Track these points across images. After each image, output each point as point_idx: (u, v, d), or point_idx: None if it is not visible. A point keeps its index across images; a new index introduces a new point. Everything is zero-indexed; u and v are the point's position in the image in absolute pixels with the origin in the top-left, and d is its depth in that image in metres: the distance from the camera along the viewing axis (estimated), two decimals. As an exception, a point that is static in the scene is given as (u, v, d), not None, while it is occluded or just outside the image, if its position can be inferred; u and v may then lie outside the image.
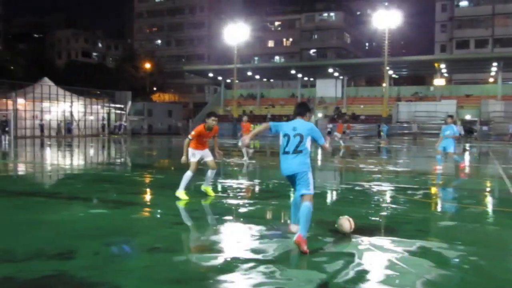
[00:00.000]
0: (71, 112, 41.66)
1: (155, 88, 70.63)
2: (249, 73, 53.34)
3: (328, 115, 47.61)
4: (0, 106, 35.66)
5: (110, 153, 20.50)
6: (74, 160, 16.19)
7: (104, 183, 9.84)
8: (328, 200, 8.32)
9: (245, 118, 15.85)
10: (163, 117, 56.75)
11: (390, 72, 47.88)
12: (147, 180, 10.65)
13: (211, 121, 7.38)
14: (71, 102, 41.44)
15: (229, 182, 10.04)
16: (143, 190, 8.87)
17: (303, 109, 4.99)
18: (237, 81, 53.02)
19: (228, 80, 56.58)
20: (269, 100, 56.62)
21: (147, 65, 66.34)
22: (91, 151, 21.42)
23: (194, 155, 7.56)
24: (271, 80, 63.22)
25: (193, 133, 7.39)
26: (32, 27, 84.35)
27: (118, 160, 16.71)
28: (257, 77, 55.62)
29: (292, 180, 4.92)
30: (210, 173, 7.82)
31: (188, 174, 7.51)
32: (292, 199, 5.44)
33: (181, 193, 7.56)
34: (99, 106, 45.44)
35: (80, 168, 13.20)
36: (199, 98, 72.20)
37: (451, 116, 12.13)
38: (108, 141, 32.85)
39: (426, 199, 8.18)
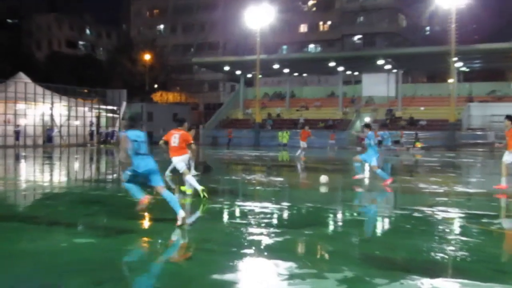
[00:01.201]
0: (51, 116, 42.69)
1: (156, 86, 71.70)
2: (276, 66, 53.63)
3: (378, 120, 47.35)
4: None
5: (99, 168, 20.94)
6: (55, 176, 16.59)
7: (92, 205, 10.06)
8: (378, 229, 8.33)
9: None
10: (166, 122, 57.00)
11: (459, 64, 47.34)
12: (145, 201, 10.89)
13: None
14: (52, 103, 42.45)
15: (251, 205, 10.22)
16: (140, 214, 9.03)
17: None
18: (260, 76, 53.26)
19: (249, 75, 56.97)
20: (301, 100, 56.93)
21: (147, 57, 67.55)
22: (76, 165, 21.87)
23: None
24: (304, 75, 63.43)
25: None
26: (5, 12, 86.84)
27: (110, 177, 17.04)
28: (286, 71, 55.90)
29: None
30: None
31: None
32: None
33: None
34: (87, 108, 46.49)
35: (63, 186, 13.50)
36: (212, 98, 73.13)
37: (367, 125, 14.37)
38: (97, 152, 33.35)
39: (507, 230, 8.09)
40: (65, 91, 44.98)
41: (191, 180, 11.26)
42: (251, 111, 54.44)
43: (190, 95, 75.22)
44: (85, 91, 49.48)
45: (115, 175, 17.24)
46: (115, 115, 49.47)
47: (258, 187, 13.52)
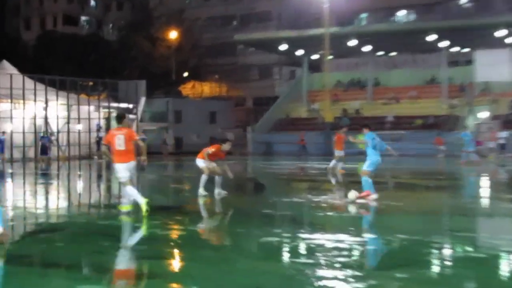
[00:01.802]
0: (45, 119, 43.19)
1: (186, 74, 72.04)
2: (353, 43, 53.00)
3: (499, 116, 46.26)
4: None
5: (110, 189, 21.11)
6: (52, 201, 16.84)
7: (100, 240, 10.19)
8: (503, 271, 8.15)
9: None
10: (201, 124, 58.61)
11: None
12: (174, 234, 11.05)
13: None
14: (46, 101, 42.65)
15: (320, 237, 10.27)
16: (166, 251, 9.07)
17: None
18: (331, 58, 52.85)
19: (315, 57, 56.60)
20: (388, 90, 56.39)
21: (172, 35, 67.76)
22: (80, 185, 22.13)
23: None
24: (393, 55, 62.67)
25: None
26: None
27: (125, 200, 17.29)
28: (367, 49, 55.45)
29: None
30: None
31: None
32: None
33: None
34: (92, 108, 46.92)
35: (62, 214, 13.73)
36: (264, 90, 72.19)
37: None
38: (107, 167, 33.45)
39: None
40: (63, 85, 44.83)
41: (132, 192, 12.55)
42: (318, 107, 54.28)
43: (233, 86, 75.00)
44: (90, 83, 49.58)
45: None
46: (131, 116, 48.70)
47: (330, 213, 13.53)
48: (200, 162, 16.37)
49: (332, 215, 13.20)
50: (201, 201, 15.27)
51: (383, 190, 19.13)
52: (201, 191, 16.28)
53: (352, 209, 14.06)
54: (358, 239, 10.16)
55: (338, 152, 24.89)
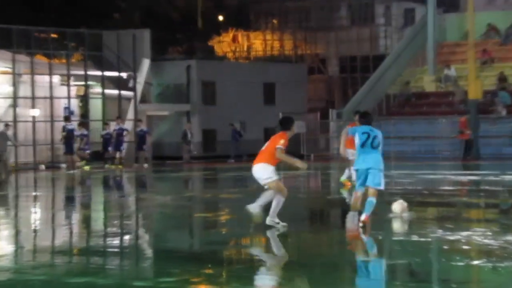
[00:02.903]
0: None
1: (222, 18, 53.55)
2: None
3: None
4: None
5: (89, 222, 17.46)
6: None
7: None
8: None
9: None
10: (248, 105, 41.68)
11: None
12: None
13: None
14: None
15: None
16: None
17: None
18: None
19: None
20: None
21: None
22: (36, 217, 18.27)
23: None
24: None
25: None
26: None
27: (115, 242, 14.07)
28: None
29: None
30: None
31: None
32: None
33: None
34: (57, 79, 36.36)
35: (6, 267, 10.83)
36: (359, 46, 52.65)
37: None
38: (81, 182, 29.25)
39: None
40: (7, 37, 34.83)
41: None
42: (455, 73, 40.11)
43: (306, 38, 54.48)
44: (53, 35, 38.50)
45: (127, 237, 14.27)
46: (127, 93, 38.15)
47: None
48: (267, 172, 12.44)
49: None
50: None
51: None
52: (272, 220, 12.59)
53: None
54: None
55: (351, 152, 18.16)
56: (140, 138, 35.76)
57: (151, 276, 10.35)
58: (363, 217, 12.65)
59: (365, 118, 13.92)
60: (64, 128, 34.02)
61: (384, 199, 15.93)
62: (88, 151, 34.89)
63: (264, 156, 12.55)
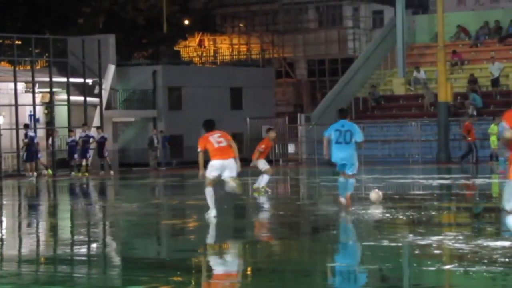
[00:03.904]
0: None
1: (187, 22, 50.69)
2: None
3: None
4: None
5: (49, 239, 15.76)
6: None
7: None
8: None
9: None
10: (215, 110, 38.61)
11: None
12: None
13: None
14: None
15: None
16: None
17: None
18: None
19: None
20: None
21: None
22: None
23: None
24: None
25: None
26: None
27: (95, 246, 13.94)
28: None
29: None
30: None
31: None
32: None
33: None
34: (21, 86, 36.08)
35: None
36: (327, 48, 52.26)
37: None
38: (47, 191, 28.80)
39: None
40: None
41: None
42: (425, 75, 39.69)
43: (274, 41, 53.42)
44: (17, 42, 37.23)
45: (95, 245, 13.72)
46: (92, 99, 37.52)
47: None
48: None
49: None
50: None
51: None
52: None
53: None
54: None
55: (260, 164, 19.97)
56: (100, 145, 35.12)
57: (119, 285, 10.17)
58: (347, 194, 15.36)
59: (340, 112, 15.98)
60: (26, 135, 33.36)
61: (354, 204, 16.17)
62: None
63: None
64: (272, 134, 18.04)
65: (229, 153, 13.98)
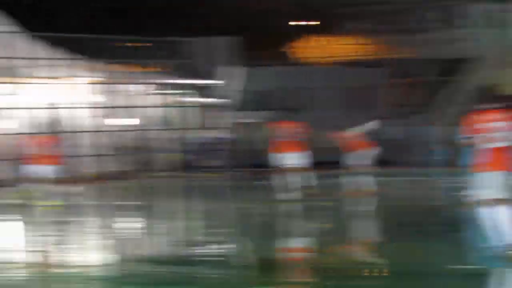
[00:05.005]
0: (53, 108, 33.37)
1: (305, 23, 61.06)
2: None
3: None
4: None
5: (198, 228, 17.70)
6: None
7: None
8: None
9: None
10: (330, 110, 39.37)
11: None
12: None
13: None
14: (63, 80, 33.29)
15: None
16: None
17: None
18: None
19: None
20: None
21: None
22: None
23: None
24: None
25: None
26: None
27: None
28: None
29: None
30: None
31: None
32: None
33: None
34: (147, 89, 36.94)
35: None
36: (442, 49, 48.95)
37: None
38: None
39: None
40: (98, 48, 34.79)
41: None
42: None
43: (390, 41, 52.14)
44: (142, 45, 38.71)
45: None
46: (218, 101, 38.46)
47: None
48: None
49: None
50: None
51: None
52: None
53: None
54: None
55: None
56: (226, 146, 37.03)
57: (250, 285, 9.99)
58: None
59: None
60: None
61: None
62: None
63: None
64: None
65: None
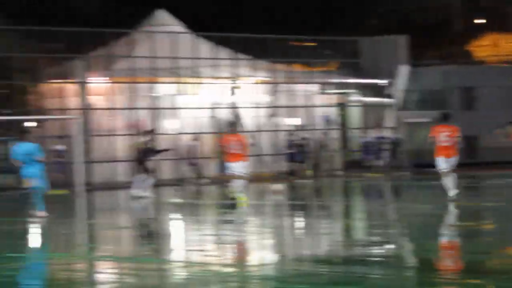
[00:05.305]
0: (236, 113, 33.63)
1: (479, 21, 48.91)
2: None
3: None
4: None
5: (362, 228, 17.99)
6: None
7: None
8: None
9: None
10: (502, 109, 37.63)
11: None
12: None
13: None
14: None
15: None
16: None
17: None
18: None
19: None
20: None
21: None
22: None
23: None
24: None
25: None
26: None
27: (388, 247, 13.75)
28: None
29: None
30: None
31: None
32: None
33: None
34: (316, 89, 36.36)
35: None
36: None
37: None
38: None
39: None
40: (263, 48, 34.22)
41: None
42: None
43: None
44: (310, 44, 37.90)
45: (388, 246, 13.57)
46: (385, 100, 37.75)
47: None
48: None
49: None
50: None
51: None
52: None
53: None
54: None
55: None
56: (395, 146, 36.21)
57: (413, 286, 9.86)
58: None
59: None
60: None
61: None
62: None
63: None
64: None
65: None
